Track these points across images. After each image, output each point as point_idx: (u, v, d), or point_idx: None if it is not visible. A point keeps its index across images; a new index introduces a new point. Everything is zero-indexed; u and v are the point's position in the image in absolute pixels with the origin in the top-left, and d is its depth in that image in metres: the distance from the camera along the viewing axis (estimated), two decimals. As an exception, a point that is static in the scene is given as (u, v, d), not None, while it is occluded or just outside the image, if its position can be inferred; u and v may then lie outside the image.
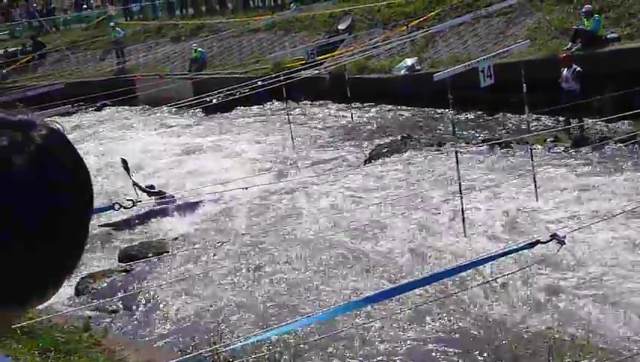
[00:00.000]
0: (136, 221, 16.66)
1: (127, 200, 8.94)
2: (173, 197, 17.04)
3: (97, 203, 14.52)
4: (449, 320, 10.08)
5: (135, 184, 16.52)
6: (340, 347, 9.64)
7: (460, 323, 10.01)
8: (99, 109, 31.95)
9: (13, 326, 1.71)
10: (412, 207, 14.77)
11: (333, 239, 13.67)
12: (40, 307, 11.78)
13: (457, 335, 9.79)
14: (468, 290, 10.08)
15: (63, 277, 1.37)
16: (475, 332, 9.77)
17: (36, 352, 7.41)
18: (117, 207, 10.49)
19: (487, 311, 10.23)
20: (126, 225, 16.66)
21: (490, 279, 10.10)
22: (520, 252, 7.49)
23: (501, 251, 7.18)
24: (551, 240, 6.16)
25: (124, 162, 16.95)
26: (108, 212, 13.72)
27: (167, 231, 16.20)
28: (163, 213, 16.91)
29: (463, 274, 9.77)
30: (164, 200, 16.72)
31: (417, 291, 9.53)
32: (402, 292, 7.90)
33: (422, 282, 6.30)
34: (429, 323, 10.06)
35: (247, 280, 12.54)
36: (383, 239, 13.49)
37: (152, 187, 17.14)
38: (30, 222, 1.25)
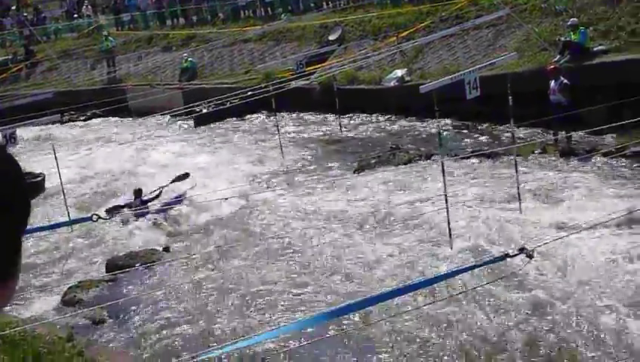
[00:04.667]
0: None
1: (106, 210, 8.98)
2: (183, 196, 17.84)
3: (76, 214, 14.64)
4: (418, 333, 10.15)
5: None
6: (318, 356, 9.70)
7: (430, 335, 10.08)
8: (89, 118, 32.03)
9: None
10: (399, 218, 14.84)
11: (316, 250, 13.76)
12: (25, 316, 11.85)
13: (428, 348, 9.86)
14: (436, 303, 10.16)
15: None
16: (445, 345, 9.84)
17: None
18: (95, 218, 10.53)
19: (457, 324, 10.27)
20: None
21: (458, 293, 10.13)
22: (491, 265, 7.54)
23: (470, 265, 7.23)
24: (519, 253, 6.22)
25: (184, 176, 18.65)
26: (87, 223, 13.84)
27: (154, 241, 16.24)
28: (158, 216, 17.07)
29: (434, 286, 9.81)
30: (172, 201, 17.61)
31: (395, 301, 9.60)
32: (371, 304, 7.94)
33: (392, 294, 6.35)
34: (399, 335, 10.13)
35: (232, 290, 12.59)
36: (367, 250, 13.56)
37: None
38: None
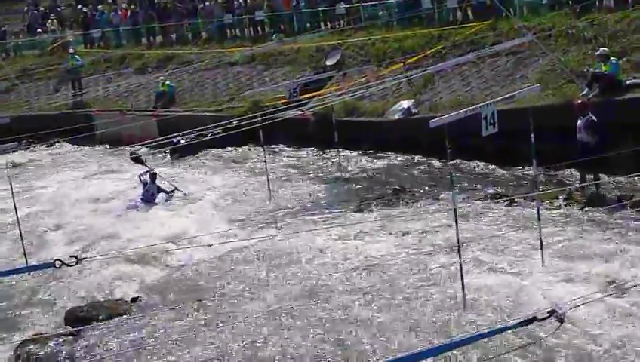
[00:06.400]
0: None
1: (71, 256, 8.91)
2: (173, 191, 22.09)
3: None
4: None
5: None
6: None
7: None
8: (50, 146, 31.96)
9: None
10: (405, 272, 14.73)
11: (307, 307, 13.61)
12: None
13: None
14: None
15: None
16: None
17: None
18: (58, 264, 10.41)
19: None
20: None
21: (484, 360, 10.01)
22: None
23: (494, 329, 7.14)
24: (549, 316, 6.16)
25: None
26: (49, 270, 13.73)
27: (122, 290, 16.19)
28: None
29: (455, 351, 9.69)
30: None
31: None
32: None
33: (407, 360, 6.24)
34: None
35: (209, 351, 12.47)
36: (368, 309, 13.41)
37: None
38: None
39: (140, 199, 21.83)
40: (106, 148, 30.24)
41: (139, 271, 17.03)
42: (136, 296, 15.76)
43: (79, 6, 45.60)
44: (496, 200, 18.07)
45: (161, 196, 22.01)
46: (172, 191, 22.42)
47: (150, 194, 21.87)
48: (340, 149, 23.73)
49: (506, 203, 17.99)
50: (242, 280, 15.66)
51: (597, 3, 25.34)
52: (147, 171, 22.11)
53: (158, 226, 19.54)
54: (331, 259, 16.06)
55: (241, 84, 31.49)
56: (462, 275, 12.50)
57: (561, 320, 6.31)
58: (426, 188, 20.84)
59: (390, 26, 30.73)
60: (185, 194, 22.32)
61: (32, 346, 13.51)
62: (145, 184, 21.87)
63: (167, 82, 32.52)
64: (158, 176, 22.21)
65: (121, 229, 19.71)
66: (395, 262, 15.26)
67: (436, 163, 22.77)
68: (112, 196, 23.29)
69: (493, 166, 21.70)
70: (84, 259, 17.03)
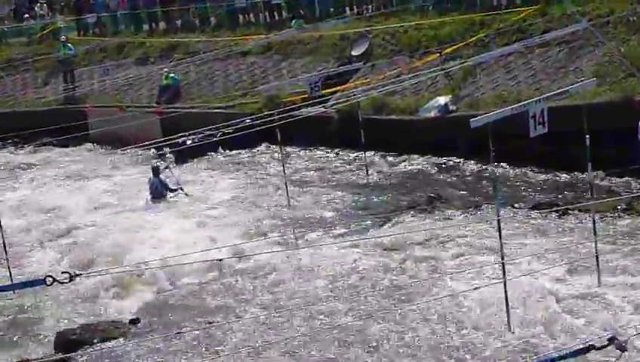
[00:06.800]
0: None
1: (63, 272, 8.98)
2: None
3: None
4: None
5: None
6: None
7: None
8: (38, 147, 31.94)
9: None
10: (441, 290, 14.79)
11: (331, 327, 13.64)
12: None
13: None
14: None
15: None
16: None
17: None
18: (49, 281, 10.47)
19: None
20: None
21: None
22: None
23: (543, 359, 7.14)
24: (608, 344, 6.15)
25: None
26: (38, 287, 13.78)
27: (120, 310, 16.32)
28: None
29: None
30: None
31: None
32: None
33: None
34: None
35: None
36: (401, 330, 13.49)
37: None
38: None
39: (150, 197, 23.11)
40: (103, 149, 30.28)
41: (139, 289, 17.13)
42: (135, 317, 15.82)
43: (71, -12, 45.76)
44: (545, 211, 17.97)
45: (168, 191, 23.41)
46: (176, 189, 23.45)
47: (155, 188, 23.13)
48: (367, 152, 23.73)
49: (556, 214, 17.94)
50: (254, 301, 15.76)
51: (662, -15, 25.19)
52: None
53: (162, 238, 19.54)
54: (358, 277, 16.10)
55: (255, 76, 31.51)
56: (506, 295, 12.54)
57: (623, 349, 6.31)
58: (465, 196, 20.89)
59: (425, 11, 30.73)
60: (186, 195, 23.22)
61: (18, 374, 13.58)
62: (149, 180, 23.30)
63: (172, 75, 32.51)
64: (167, 170, 24.01)
65: (122, 241, 19.72)
66: (430, 281, 15.31)
67: (477, 167, 22.75)
68: (110, 202, 23.55)
69: (543, 171, 21.66)
70: (79, 275, 17.13)
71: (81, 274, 17.18)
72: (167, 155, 25.85)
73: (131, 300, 16.67)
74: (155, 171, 23.28)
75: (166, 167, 24.41)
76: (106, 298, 16.81)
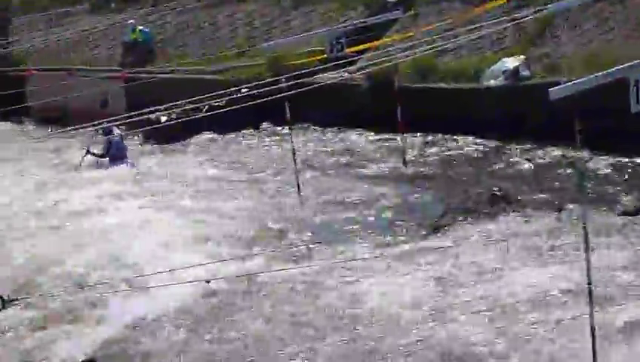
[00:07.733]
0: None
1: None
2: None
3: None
4: None
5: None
6: None
7: None
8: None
9: None
10: (512, 314, 14.73)
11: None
12: None
13: None
14: None
15: None
16: None
17: None
18: (-1, 305, 10.42)
19: None
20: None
21: None
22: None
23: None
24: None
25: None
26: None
27: (77, 347, 15.81)
28: None
29: None
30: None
31: None
32: None
33: None
34: None
35: None
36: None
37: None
38: None
39: (110, 163, 25.66)
40: (46, 127, 30.61)
41: (96, 319, 16.81)
42: (89, 358, 15.41)
43: None
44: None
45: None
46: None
47: (117, 147, 25.77)
48: (406, 133, 23.67)
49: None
50: (259, 334, 15.36)
51: None
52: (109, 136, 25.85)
53: (130, 244, 19.47)
54: (395, 299, 15.78)
55: (255, 30, 31.80)
56: (592, 322, 12.31)
57: None
58: (541, 193, 20.70)
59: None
60: (133, 165, 25.64)
61: None
62: (107, 140, 25.62)
63: (141, 27, 32.95)
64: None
65: (74, 251, 19.51)
66: (497, 304, 15.20)
67: (556, 155, 22.73)
68: (59, 199, 23.41)
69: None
70: (13, 301, 16.80)
71: (16, 299, 16.98)
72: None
73: (84, 335, 16.25)
74: (109, 131, 25.23)
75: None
76: (50, 331, 16.44)
